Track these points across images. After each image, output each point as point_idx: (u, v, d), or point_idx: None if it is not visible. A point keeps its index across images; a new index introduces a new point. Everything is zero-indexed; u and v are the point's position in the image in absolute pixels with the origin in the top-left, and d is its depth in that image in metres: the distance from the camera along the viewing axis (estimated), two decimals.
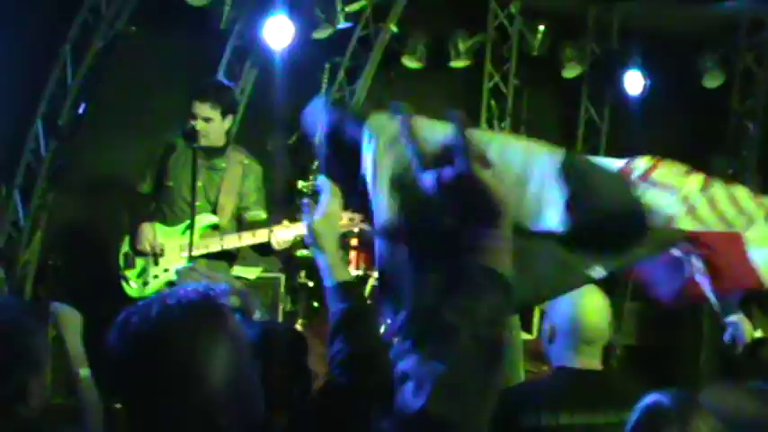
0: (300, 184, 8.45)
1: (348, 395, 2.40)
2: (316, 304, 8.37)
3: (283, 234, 5.59)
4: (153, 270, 5.70)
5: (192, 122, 5.64)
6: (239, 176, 5.88)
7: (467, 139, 1.69)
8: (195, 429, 1.78)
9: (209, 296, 1.89)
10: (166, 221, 5.76)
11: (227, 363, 1.81)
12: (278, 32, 8.50)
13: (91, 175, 8.41)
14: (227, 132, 5.94)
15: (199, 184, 5.61)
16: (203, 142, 5.67)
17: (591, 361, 3.52)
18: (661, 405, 2.38)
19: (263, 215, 5.95)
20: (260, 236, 5.61)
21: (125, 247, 5.80)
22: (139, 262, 5.73)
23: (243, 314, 2.01)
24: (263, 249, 5.85)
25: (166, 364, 1.78)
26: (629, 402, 2.71)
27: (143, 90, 8.40)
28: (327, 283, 2.59)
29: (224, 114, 5.75)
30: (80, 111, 8.18)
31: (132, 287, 5.72)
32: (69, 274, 7.93)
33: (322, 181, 2.69)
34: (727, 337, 5.80)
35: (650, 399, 2.45)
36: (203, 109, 5.65)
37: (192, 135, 5.61)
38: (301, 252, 8.08)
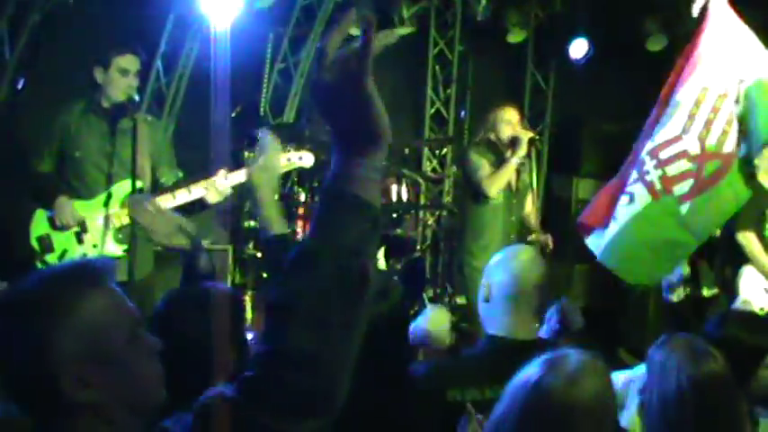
0: (246, 154, 8.38)
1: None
2: (264, 275, 8.33)
3: (222, 182, 5.24)
4: (78, 249, 5.23)
5: (120, 80, 5.22)
6: (147, 135, 5.39)
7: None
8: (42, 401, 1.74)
9: (80, 267, 1.87)
10: (81, 195, 5.26)
11: (80, 335, 1.73)
12: (221, 2, 8.40)
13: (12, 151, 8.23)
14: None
15: (109, 149, 5.26)
16: (127, 99, 5.21)
17: (524, 327, 3.43)
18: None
19: (179, 174, 5.62)
20: (195, 191, 5.24)
21: (37, 230, 5.25)
22: (59, 244, 5.23)
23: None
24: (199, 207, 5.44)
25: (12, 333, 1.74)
26: None
27: (83, 63, 8.27)
28: (263, 234, 2.58)
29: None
30: (18, 86, 8.05)
31: None
32: None
33: (263, 133, 2.67)
34: (664, 294, 5.88)
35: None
36: (136, 62, 5.31)
37: (130, 104, 5.17)
38: (249, 223, 8.04)
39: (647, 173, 4.97)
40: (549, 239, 6.74)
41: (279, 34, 9.89)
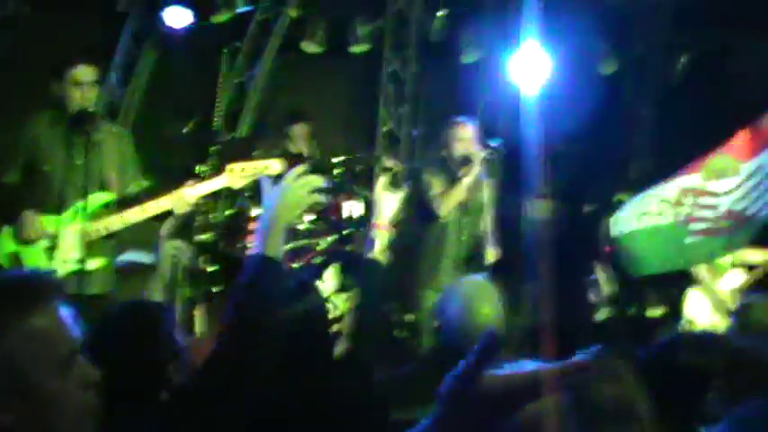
0: (198, 168, 8.39)
1: (231, 364, 2.40)
2: (215, 290, 8.33)
3: (190, 192, 5.22)
4: (48, 265, 5.02)
5: (75, 92, 5.15)
6: (115, 147, 5.39)
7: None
8: None
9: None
10: (49, 210, 5.16)
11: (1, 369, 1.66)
12: (176, 16, 8.44)
13: None
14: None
15: (78, 162, 5.13)
16: (77, 109, 5.17)
17: None
18: None
19: (142, 183, 5.54)
20: (163, 202, 5.18)
21: (5, 247, 5.14)
22: (29, 260, 5.10)
23: None
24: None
25: None
26: None
27: (38, 74, 8.24)
28: (259, 250, 2.56)
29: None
30: None
31: None
32: None
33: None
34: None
35: None
36: (90, 73, 5.24)
37: (85, 115, 5.13)
38: (199, 238, 8.04)
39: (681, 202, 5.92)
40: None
41: (234, 49, 9.92)
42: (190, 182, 5.28)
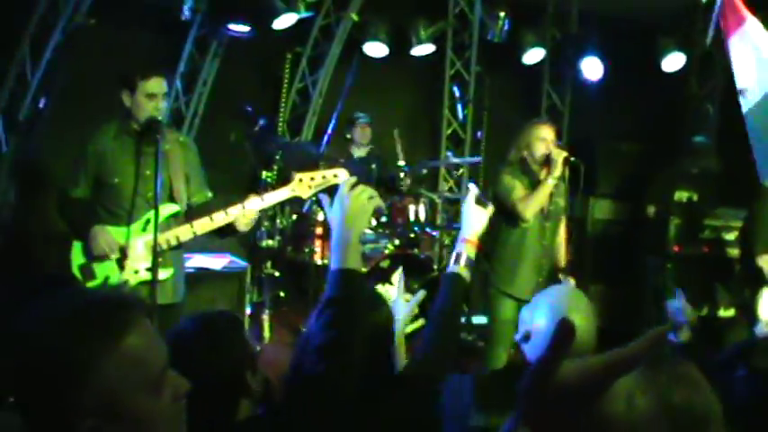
0: (264, 173, 8.45)
1: (320, 383, 2.41)
2: (282, 294, 8.38)
3: (270, 197, 5.23)
4: (119, 276, 5.10)
5: (148, 104, 5.09)
6: (182, 157, 5.38)
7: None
8: None
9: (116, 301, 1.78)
10: (119, 221, 5.15)
11: (98, 395, 1.66)
12: (239, 23, 8.51)
13: (50, 173, 8.27)
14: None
15: (147, 172, 5.10)
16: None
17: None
18: None
19: (208, 194, 5.53)
20: (232, 213, 5.13)
21: (77, 259, 5.16)
22: (100, 271, 5.14)
23: None
24: (223, 232, 5.37)
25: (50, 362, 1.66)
26: None
27: (104, 84, 8.34)
28: (336, 265, 2.60)
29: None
30: (40, 105, 8.15)
31: None
32: (23, 277, 7.78)
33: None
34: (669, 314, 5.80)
35: None
36: (162, 85, 5.21)
37: (154, 124, 5.04)
38: (267, 243, 8.09)
39: None
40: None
41: (297, 54, 9.97)
42: (251, 196, 5.22)
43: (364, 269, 7.34)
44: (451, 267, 3.38)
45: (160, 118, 5.14)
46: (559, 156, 6.20)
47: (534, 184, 6.33)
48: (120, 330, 1.70)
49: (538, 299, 3.58)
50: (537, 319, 3.46)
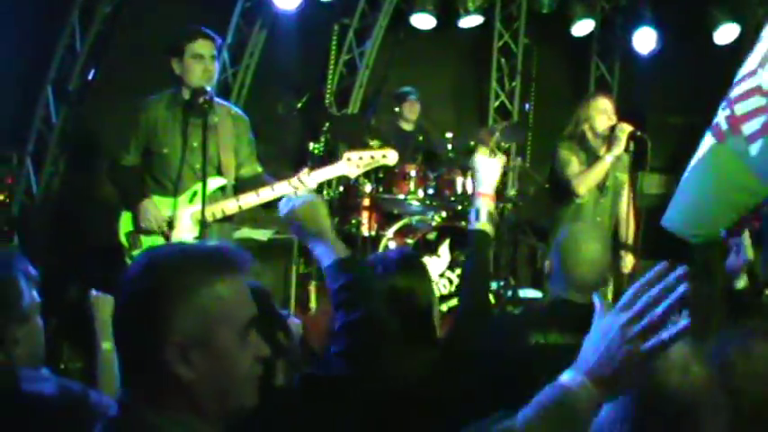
0: (311, 145, 8.44)
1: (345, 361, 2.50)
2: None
3: (318, 175, 5.19)
4: None
5: (197, 66, 5.12)
6: (232, 130, 5.37)
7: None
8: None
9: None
10: (167, 192, 5.21)
11: (194, 317, 1.84)
12: None
13: (100, 145, 8.33)
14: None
15: (195, 144, 5.10)
16: (208, 85, 5.15)
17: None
18: None
19: (258, 169, 5.51)
20: (279, 189, 5.12)
21: (125, 227, 5.25)
22: (146, 240, 5.21)
23: None
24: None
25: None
26: None
27: (152, 54, 8.37)
28: (328, 262, 2.67)
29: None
30: (89, 76, 8.20)
31: None
32: (77, 247, 7.86)
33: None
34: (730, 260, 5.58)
35: None
36: (210, 46, 5.21)
37: (201, 94, 5.02)
38: None
39: (716, 116, 4.60)
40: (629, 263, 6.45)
41: (344, 26, 9.94)
42: (305, 169, 5.21)
43: (411, 240, 7.34)
44: (473, 224, 3.40)
45: (211, 83, 5.18)
46: (624, 131, 6.02)
47: (592, 159, 6.18)
48: (222, 271, 1.89)
49: (562, 231, 3.81)
50: (559, 247, 3.66)
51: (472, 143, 8.29)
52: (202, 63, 5.15)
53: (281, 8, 8.69)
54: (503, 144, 10.92)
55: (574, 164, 6.18)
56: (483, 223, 3.40)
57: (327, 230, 2.74)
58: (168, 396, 1.82)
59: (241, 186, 5.34)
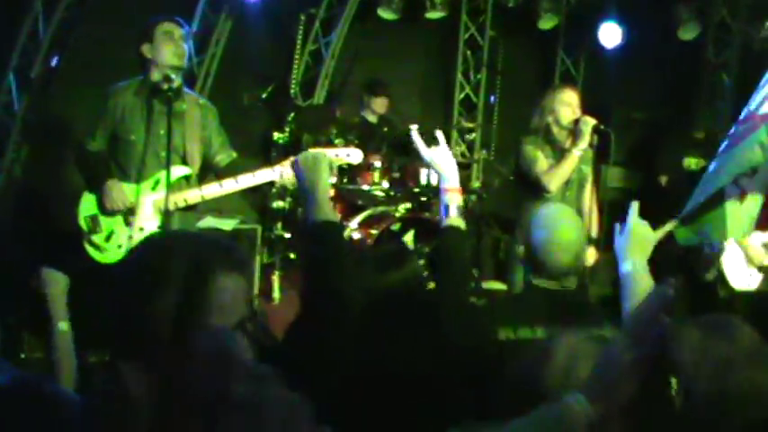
0: (276, 135, 8.42)
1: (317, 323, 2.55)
2: (292, 256, 8.38)
3: (264, 175, 5.22)
4: (125, 231, 5.15)
5: (168, 45, 5.16)
6: (199, 120, 5.37)
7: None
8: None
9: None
10: (130, 178, 5.19)
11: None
12: None
13: (64, 131, 8.27)
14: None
15: (161, 132, 5.10)
16: (180, 64, 5.23)
17: (558, 283, 3.61)
18: None
19: (233, 154, 5.53)
20: (243, 181, 5.19)
21: (86, 210, 5.21)
22: (106, 225, 5.18)
23: None
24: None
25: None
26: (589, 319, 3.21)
27: (116, 42, 8.31)
28: (311, 220, 2.77)
29: None
30: (53, 63, 8.13)
31: (102, 252, 5.18)
32: (38, 234, 7.79)
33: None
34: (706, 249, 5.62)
35: None
36: (179, 29, 5.26)
37: (168, 81, 5.07)
38: (277, 204, 8.07)
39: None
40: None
41: (311, 16, 9.91)
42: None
43: (375, 231, 7.35)
44: (444, 221, 3.41)
45: (183, 63, 5.25)
46: (588, 124, 5.95)
47: (558, 152, 6.11)
48: (231, 266, 1.92)
49: (535, 214, 3.78)
50: (534, 231, 3.66)
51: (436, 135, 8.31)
52: (173, 42, 5.18)
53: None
54: (467, 136, 11.01)
55: (541, 160, 6.11)
56: (454, 218, 3.41)
57: (323, 187, 2.85)
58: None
59: (221, 174, 5.36)
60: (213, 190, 5.24)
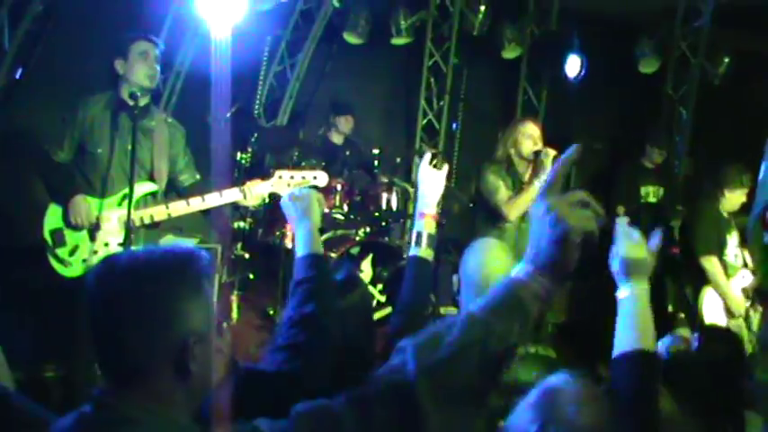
0: (239, 155, 8.44)
1: (305, 355, 2.58)
2: (251, 276, 8.39)
3: (259, 189, 5.38)
4: (89, 246, 5.13)
5: (142, 65, 5.22)
6: (167, 137, 5.44)
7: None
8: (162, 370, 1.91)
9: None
10: (96, 192, 5.18)
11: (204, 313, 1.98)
12: (221, 6, 8.45)
13: (27, 143, 8.22)
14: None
15: (129, 147, 5.06)
16: (151, 84, 5.30)
17: None
18: (558, 388, 2.37)
19: (197, 176, 5.60)
20: (210, 200, 5.26)
21: (51, 223, 5.20)
22: (71, 239, 5.16)
23: None
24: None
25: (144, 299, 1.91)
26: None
27: (82, 55, 8.30)
28: (303, 251, 2.86)
29: None
30: (17, 75, 8.09)
31: (66, 266, 5.16)
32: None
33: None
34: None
35: (550, 381, 2.43)
36: (154, 49, 5.31)
37: (136, 98, 5.09)
38: (238, 224, 8.09)
39: None
40: None
41: (277, 37, 9.96)
42: (249, 183, 5.36)
43: (334, 254, 7.38)
44: (413, 250, 3.46)
45: (153, 84, 5.31)
46: (549, 155, 6.12)
47: (518, 184, 6.29)
48: (206, 279, 2.03)
49: (468, 249, 3.68)
50: (467, 264, 3.61)
51: (398, 160, 8.37)
52: (147, 62, 5.23)
53: (216, 30, 8.67)
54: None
55: (502, 190, 6.27)
56: (424, 250, 3.45)
57: (315, 221, 2.99)
58: (153, 391, 1.90)
59: (184, 194, 5.40)
60: (180, 207, 5.26)
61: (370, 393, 1.84)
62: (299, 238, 2.91)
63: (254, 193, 5.33)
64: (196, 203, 5.25)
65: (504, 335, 1.81)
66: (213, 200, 5.26)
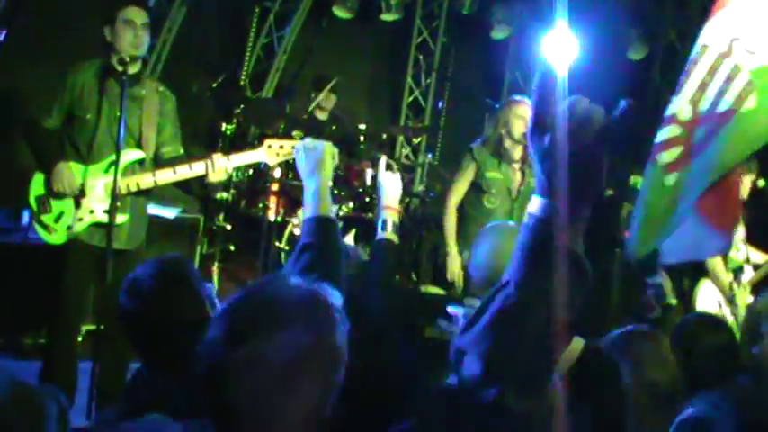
0: (223, 126, 8.40)
1: None
2: (232, 248, 8.37)
3: (237, 159, 5.28)
4: (74, 213, 5.07)
5: (127, 32, 5.09)
6: (157, 106, 5.34)
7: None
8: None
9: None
10: (83, 158, 5.12)
11: None
12: None
13: (12, 108, 8.16)
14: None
15: (118, 114, 4.95)
16: (138, 52, 5.16)
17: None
18: None
19: (180, 150, 5.47)
20: (197, 168, 5.14)
21: (36, 190, 5.13)
22: (56, 205, 5.10)
23: None
24: (186, 187, 5.59)
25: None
26: None
27: (66, 18, 8.23)
28: (311, 213, 2.82)
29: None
30: (0, 38, 8.02)
31: (51, 234, 5.09)
32: None
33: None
34: (649, 292, 5.71)
35: None
36: (141, 15, 5.18)
37: (125, 64, 4.96)
38: (221, 195, 8.06)
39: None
40: None
41: (265, 8, 9.90)
42: (218, 154, 5.22)
43: None
44: (380, 234, 3.59)
45: (140, 51, 5.19)
46: None
47: (503, 166, 6.28)
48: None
49: (479, 235, 3.71)
50: (478, 250, 3.60)
51: (384, 136, 8.35)
52: (133, 29, 5.13)
53: None
54: (413, 140, 11.07)
55: (491, 170, 6.32)
56: (390, 233, 3.58)
57: (326, 176, 2.94)
58: None
59: (161, 166, 5.30)
60: (167, 176, 5.19)
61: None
62: (308, 196, 2.85)
63: (218, 166, 5.17)
64: (183, 171, 5.16)
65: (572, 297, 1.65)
66: (200, 168, 5.16)
